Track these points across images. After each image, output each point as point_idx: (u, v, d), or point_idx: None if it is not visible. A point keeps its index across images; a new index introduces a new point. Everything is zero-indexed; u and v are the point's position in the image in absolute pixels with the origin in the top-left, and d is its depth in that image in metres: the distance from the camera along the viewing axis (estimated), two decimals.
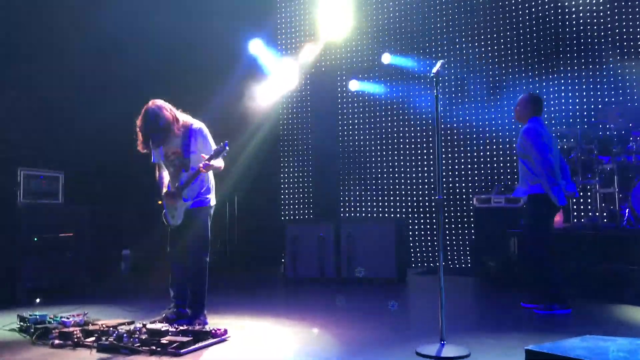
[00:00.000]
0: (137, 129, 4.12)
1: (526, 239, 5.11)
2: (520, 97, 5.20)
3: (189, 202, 4.19)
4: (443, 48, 9.09)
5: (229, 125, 7.86)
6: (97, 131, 7.16)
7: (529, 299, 4.97)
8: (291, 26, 10.16)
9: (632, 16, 7.93)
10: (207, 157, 4.05)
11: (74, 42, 7.08)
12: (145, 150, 4.18)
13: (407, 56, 9.20)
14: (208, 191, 4.35)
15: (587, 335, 2.50)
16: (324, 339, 3.87)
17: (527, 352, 2.32)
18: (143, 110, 4.11)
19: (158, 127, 4.04)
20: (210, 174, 4.39)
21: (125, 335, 3.63)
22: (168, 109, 4.12)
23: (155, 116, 4.04)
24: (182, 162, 4.19)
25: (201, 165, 4.04)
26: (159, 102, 4.14)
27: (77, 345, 3.70)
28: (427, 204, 9.13)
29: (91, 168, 7.31)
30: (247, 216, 9.26)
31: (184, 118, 4.24)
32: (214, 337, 3.76)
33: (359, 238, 7.14)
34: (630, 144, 6.71)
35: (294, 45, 10.00)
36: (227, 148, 4.01)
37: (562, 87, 8.18)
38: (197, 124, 4.27)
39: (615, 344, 2.21)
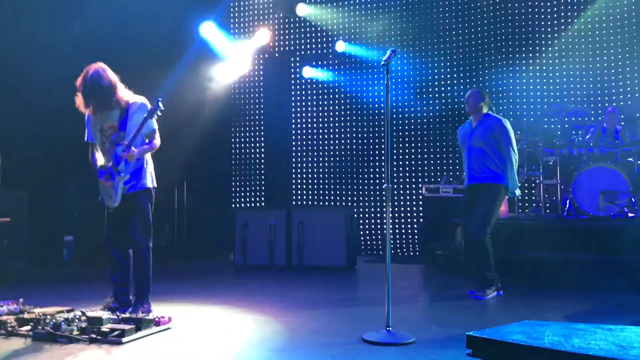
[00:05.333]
0: (78, 88, 3.93)
1: (475, 225, 5.01)
2: (473, 90, 5.22)
3: (125, 178, 3.99)
4: (397, 38, 9.14)
5: (179, 110, 7.66)
6: (34, 110, 6.83)
7: (476, 286, 5.04)
8: (245, 9, 9.96)
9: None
10: (126, 142, 3.92)
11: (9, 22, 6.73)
12: (86, 111, 3.99)
13: (361, 45, 9.21)
14: (144, 173, 4.15)
15: (526, 321, 2.57)
16: (271, 327, 3.84)
17: (468, 337, 2.36)
18: (85, 70, 3.93)
19: (100, 86, 3.87)
20: (148, 156, 4.21)
21: (63, 323, 3.48)
22: (112, 73, 3.98)
23: (98, 75, 3.89)
24: (118, 137, 4.01)
25: (123, 154, 3.92)
26: (103, 64, 4.00)
27: (11, 334, 3.52)
28: (378, 192, 9.21)
29: (29, 149, 6.98)
30: (197, 202, 9.09)
31: (126, 93, 4.06)
32: (157, 326, 3.66)
33: (309, 226, 7.13)
34: (573, 137, 6.97)
35: (247, 29, 9.82)
36: (161, 106, 3.90)
37: (510, 81, 8.39)
38: (138, 99, 4.10)
39: (551, 328, 2.28)
